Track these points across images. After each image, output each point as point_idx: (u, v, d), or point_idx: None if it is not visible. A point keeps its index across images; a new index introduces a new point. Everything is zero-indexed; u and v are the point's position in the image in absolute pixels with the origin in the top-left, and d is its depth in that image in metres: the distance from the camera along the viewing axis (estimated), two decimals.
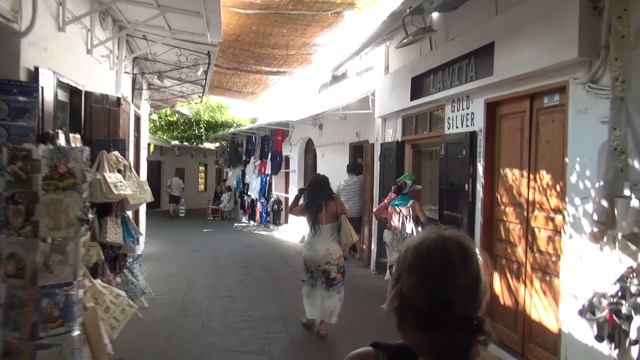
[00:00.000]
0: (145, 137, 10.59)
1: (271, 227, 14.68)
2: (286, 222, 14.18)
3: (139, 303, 5.56)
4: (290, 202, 13.83)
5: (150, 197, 5.53)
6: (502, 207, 4.92)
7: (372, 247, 8.46)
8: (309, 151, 12.95)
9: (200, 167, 26.66)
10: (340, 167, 10.44)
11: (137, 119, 9.43)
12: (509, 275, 4.78)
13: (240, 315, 5.83)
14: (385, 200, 6.50)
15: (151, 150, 20.23)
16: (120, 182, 4.87)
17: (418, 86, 6.58)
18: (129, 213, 5.61)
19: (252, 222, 16.75)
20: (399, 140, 7.48)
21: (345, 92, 9.99)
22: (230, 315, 5.86)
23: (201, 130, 18.35)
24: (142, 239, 10.17)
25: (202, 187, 26.58)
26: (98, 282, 4.15)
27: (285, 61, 8.56)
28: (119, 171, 5.07)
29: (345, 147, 10.44)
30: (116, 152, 5.06)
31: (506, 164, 4.87)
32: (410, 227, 5.87)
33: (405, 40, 4.87)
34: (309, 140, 12.85)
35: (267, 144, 15.29)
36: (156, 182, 22.59)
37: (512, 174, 4.76)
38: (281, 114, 14.29)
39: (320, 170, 11.68)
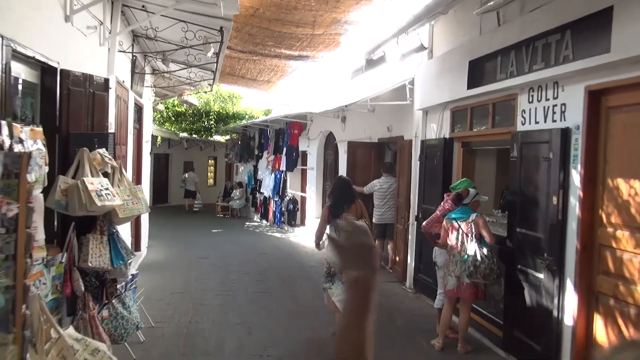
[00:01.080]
0: (149, 129, 9.46)
1: (285, 228, 13.53)
2: (302, 223, 13.01)
3: (134, 337, 4.44)
4: (306, 202, 12.70)
5: (146, 209, 4.38)
6: (611, 229, 3.70)
7: (409, 260, 7.27)
8: (329, 146, 11.75)
9: (209, 161, 25.57)
10: (366, 165, 9.24)
11: (139, 109, 8.30)
12: (621, 322, 3.57)
13: (258, 355, 4.68)
14: (438, 212, 5.29)
15: (158, 143, 19.17)
16: (106, 189, 3.72)
17: (478, 71, 5.35)
18: (122, 227, 4.48)
19: (264, 222, 15.61)
20: (447, 137, 6.26)
21: (375, 80, 8.78)
22: (245, 353, 4.71)
23: (211, 122, 17.06)
24: (144, 242, 9.07)
25: (211, 181, 25.52)
26: (69, 332, 3.00)
27: (310, 43, 7.34)
28: (106, 175, 3.93)
29: (373, 142, 9.23)
30: (102, 150, 3.91)
31: (619, 172, 3.64)
32: (472, 247, 4.66)
33: (492, 3, 3.63)
34: (329, 134, 11.64)
35: (282, 137, 14.10)
36: (164, 176, 21.58)
37: (629, 186, 3.54)
38: (299, 105, 13.07)
39: (343, 168, 10.49)
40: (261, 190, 15.81)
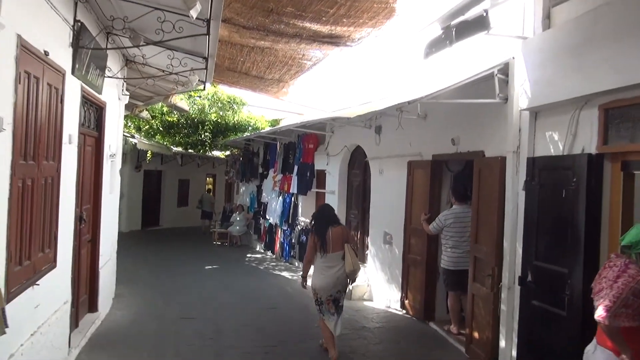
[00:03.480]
0: (117, 139, 6.92)
1: (296, 265, 10.93)
2: None
3: None
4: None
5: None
6: None
7: (502, 342, 4.66)
8: (357, 165, 9.20)
9: (207, 179, 23.08)
10: (422, 193, 6.72)
11: (98, 109, 5.80)
12: None
13: None
14: (620, 286, 2.71)
15: (148, 158, 16.70)
16: None
17: None
18: None
19: (269, 253, 13.01)
20: (592, 152, 3.71)
21: (438, 70, 6.33)
22: None
23: (207, 134, 14.41)
24: (105, 295, 6.48)
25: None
26: None
27: (350, 9, 4.84)
28: None
29: (425, 160, 6.69)
30: None
31: None
32: None
33: None
34: (356, 149, 9.12)
35: (292, 153, 11.58)
36: (155, 196, 19.04)
37: None
38: (317, 111, 10.52)
39: (379, 194, 7.95)
40: (266, 216, 13.24)
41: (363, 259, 8.80)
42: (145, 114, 11.33)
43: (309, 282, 5.20)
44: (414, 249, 6.87)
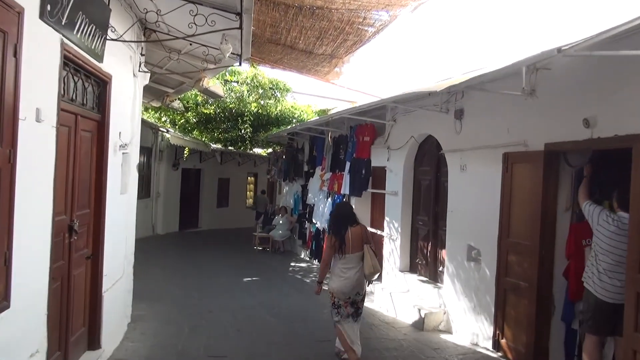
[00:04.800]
0: (130, 125, 5.50)
1: None
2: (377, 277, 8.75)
3: None
4: (384, 244, 8.42)
5: None
6: None
7: None
8: (427, 159, 7.49)
9: (249, 178, 21.86)
10: (534, 196, 4.97)
11: (99, 82, 4.40)
12: None
13: None
14: None
15: (185, 156, 15.55)
16: None
17: None
18: None
19: (315, 262, 11.47)
20: None
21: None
22: None
23: (246, 127, 12.89)
24: (119, 317, 5.11)
25: (250, 200, 21.77)
26: None
27: None
28: None
29: (533, 152, 4.93)
30: None
31: None
32: None
33: None
34: (426, 140, 7.42)
35: (343, 147, 9.98)
36: (194, 195, 17.92)
37: None
38: (372, 99, 8.83)
39: (461, 197, 6.23)
40: (312, 220, 11.69)
41: (435, 278, 7.09)
42: (177, 104, 10.02)
43: (326, 287, 4.95)
44: (514, 271, 5.13)
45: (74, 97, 3.85)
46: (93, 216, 4.46)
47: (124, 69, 5.03)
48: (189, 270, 10.11)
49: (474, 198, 5.91)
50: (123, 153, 5.19)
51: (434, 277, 7.10)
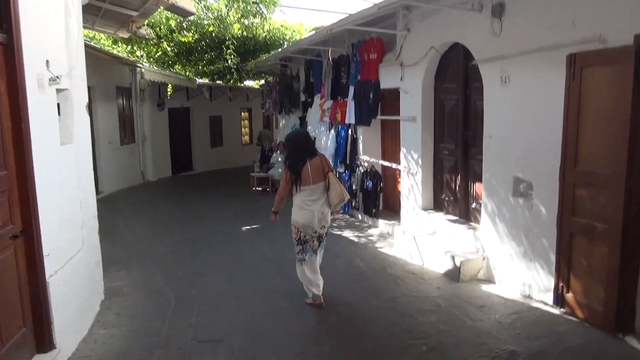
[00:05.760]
0: (66, 51, 4.08)
1: (364, 221, 8.28)
2: (393, 216, 7.62)
3: None
4: (401, 179, 7.18)
5: None
6: None
7: None
8: (450, 75, 6.09)
9: (242, 114, 20.37)
10: (613, 111, 3.67)
11: None
12: None
13: None
14: None
15: (169, 93, 14.04)
16: None
17: None
18: None
19: None
20: None
21: None
22: None
23: (230, 54, 11.21)
24: (85, 301, 4.03)
25: (246, 137, 20.47)
26: None
27: None
28: None
29: (615, 48, 3.57)
30: None
31: None
32: None
33: None
34: (450, 50, 5.99)
35: (344, 70, 8.53)
36: (185, 136, 16.59)
37: None
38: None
39: (502, 118, 4.93)
40: None
41: (468, 217, 5.96)
42: (146, 31, 8.45)
43: (291, 219, 4.67)
44: (585, 209, 3.95)
45: None
46: (16, 179, 3.21)
47: None
48: (179, 221, 9.03)
49: (522, 118, 4.62)
50: (58, 90, 3.85)
51: (466, 215, 5.96)
